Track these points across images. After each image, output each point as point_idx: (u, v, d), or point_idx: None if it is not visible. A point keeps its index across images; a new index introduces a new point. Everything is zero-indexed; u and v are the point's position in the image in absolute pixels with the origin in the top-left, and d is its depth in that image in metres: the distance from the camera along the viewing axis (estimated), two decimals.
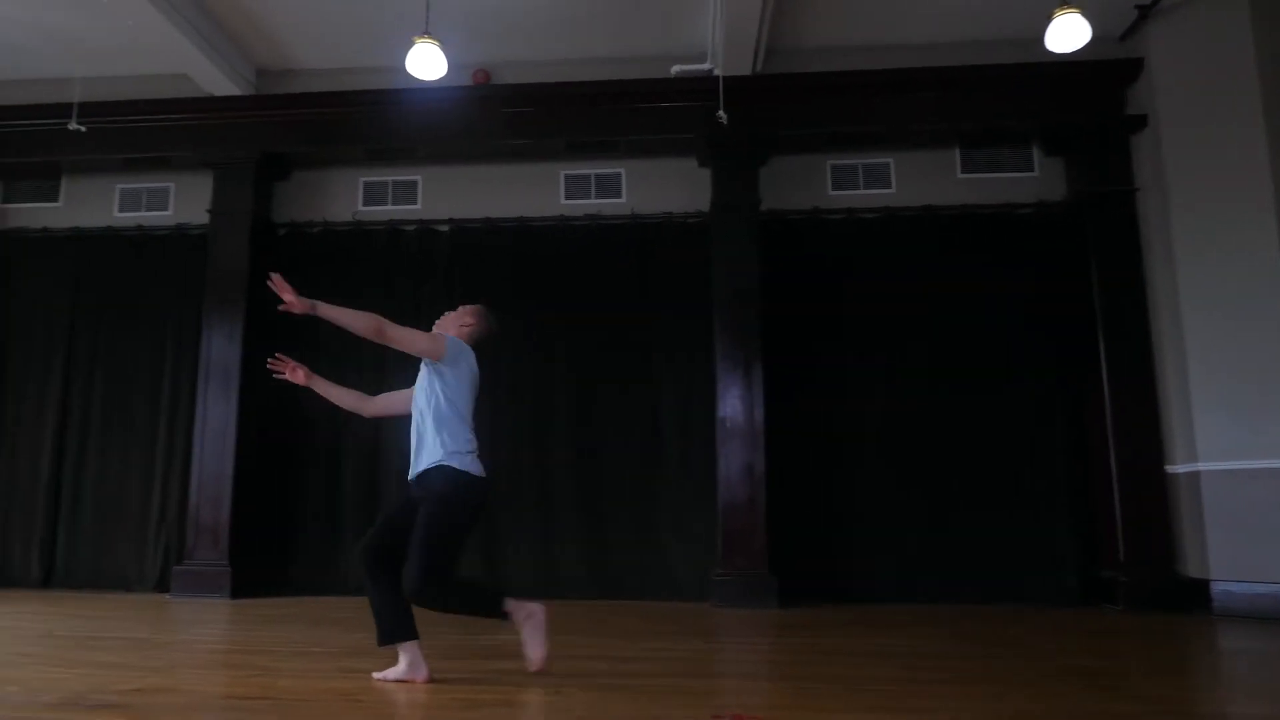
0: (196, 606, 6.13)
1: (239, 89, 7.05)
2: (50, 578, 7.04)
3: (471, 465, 3.35)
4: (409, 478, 3.44)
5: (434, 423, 3.35)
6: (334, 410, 6.97)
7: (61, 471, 7.19)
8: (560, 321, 7.09)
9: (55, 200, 7.63)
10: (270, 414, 6.96)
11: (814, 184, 7.20)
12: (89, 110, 6.99)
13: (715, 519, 6.47)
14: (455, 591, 3.35)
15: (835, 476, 6.72)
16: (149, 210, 7.55)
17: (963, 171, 7.18)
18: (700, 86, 6.69)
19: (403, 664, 3.30)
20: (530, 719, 2.77)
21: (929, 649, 4.24)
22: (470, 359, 3.48)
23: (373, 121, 7.15)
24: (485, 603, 3.35)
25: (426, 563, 3.17)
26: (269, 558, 6.91)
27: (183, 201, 7.50)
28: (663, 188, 7.24)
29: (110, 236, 7.46)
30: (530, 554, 6.81)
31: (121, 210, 7.57)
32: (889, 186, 7.18)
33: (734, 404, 6.54)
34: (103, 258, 7.42)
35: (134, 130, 7.21)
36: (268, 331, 6.74)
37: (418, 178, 7.49)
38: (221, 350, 6.90)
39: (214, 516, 6.70)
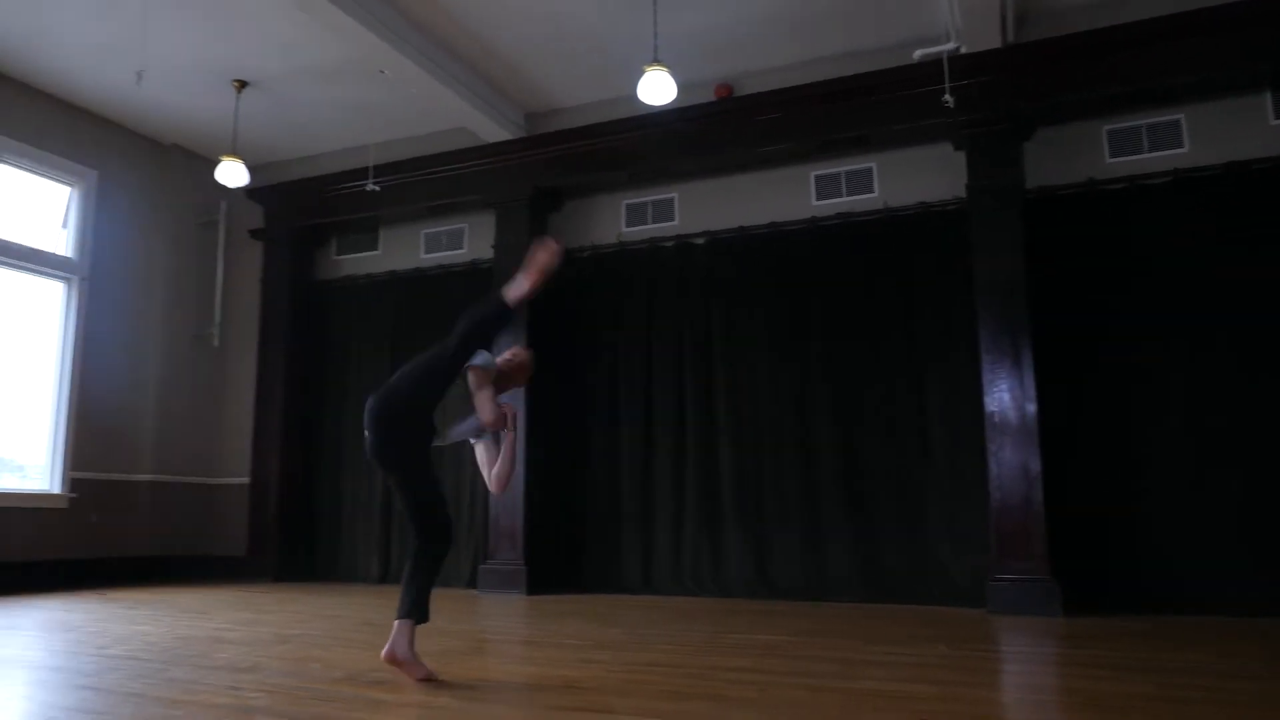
0: (496, 601, 6.81)
1: (510, 134, 7.78)
2: (386, 574, 8.15)
3: None
4: None
5: None
6: (612, 414, 7.52)
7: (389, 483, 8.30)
8: (817, 321, 7.07)
9: (375, 249, 8.86)
10: (555, 421, 7.61)
11: (1087, 153, 6.57)
12: (395, 169, 8.11)
13: (988, 520, 6.11)
14: None
15: (1131, 474, 6.07)
16: (448, 250, 8.54)
17: (1276, 117, 6.21)
18: (949, 68, 6.38)
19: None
20: (722, 713, 2.85)
21: (1210, 666, 3.75)
22: None
23: (630, 147, 7.56)
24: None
25: None
26: (561, 557, 7.53)
27: (474, 239, 8.40)
28: (916, 177, 6.97)
29: (418, 277, 8.52)
30: (797, 556, 6.83)
31: (426, 252, 8.63)
32: (1179, 146, 6.38)
33: (1002, 399, 6.14)
34: (413, 295, 8.48)
35: (430, 181, 8.20)
36: (547, 344, 7.59)
37: (674, 195, 7.81)
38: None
39: (511, 521, 7.42)
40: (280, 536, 8.33)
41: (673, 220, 7.78)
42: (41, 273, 7.59)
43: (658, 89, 5.77)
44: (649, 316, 7.68)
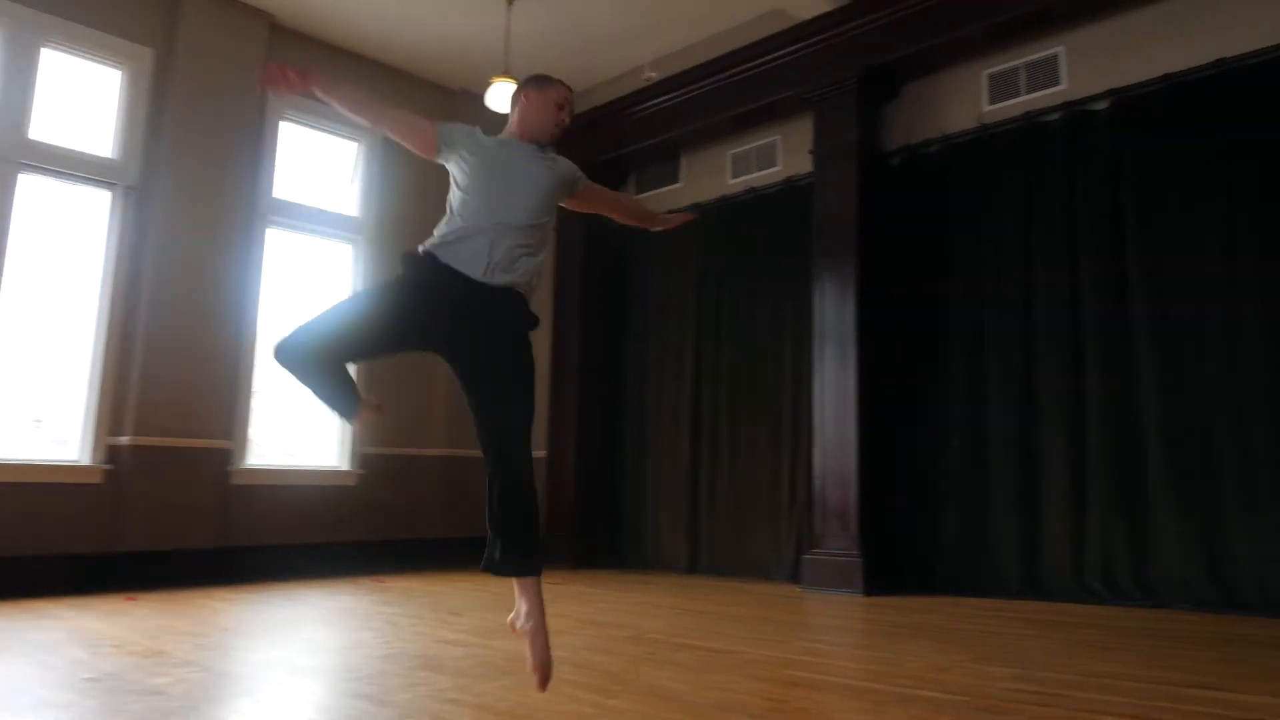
0: (822, 604, 5.11)
1: (830, 4, 6.06)
2: (695, 564, 6.74)
3: (428, 246, 2.60)
4: None
5: None
6: (974, 354, 5.57)
7: (699, 455, 6.90)
8: None
9: (676, 181, 7.53)
10: (890, 364, 5.81)
11: None
12: (693, 75, 6.84)
13: None
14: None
15: None
16: (759, 170, 6.97)
17: None
18: None
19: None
20: None
21: None
22: (465, 144, 2.69)
23: None
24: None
25: None
26: (908, 545, 5.64)
27: (789, 153, 6.77)
28: None
29: (723, 205, 7.04)
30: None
31: (733, 176, 7.13)
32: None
33: None
34: (718, 228, 7.01)
35: (734, 85, 6.73)
36: (880, 287, 5.83)
37: (1058, 50, 5.60)
38: (834, 312, 5.91)
39: (842, 494, 5.67)
40: (577, 517, 7.23)
41: (1057, 84, 5.58)
42: (328, 234, 7.13)
43: None
44: (1026, 221, 5.55)
